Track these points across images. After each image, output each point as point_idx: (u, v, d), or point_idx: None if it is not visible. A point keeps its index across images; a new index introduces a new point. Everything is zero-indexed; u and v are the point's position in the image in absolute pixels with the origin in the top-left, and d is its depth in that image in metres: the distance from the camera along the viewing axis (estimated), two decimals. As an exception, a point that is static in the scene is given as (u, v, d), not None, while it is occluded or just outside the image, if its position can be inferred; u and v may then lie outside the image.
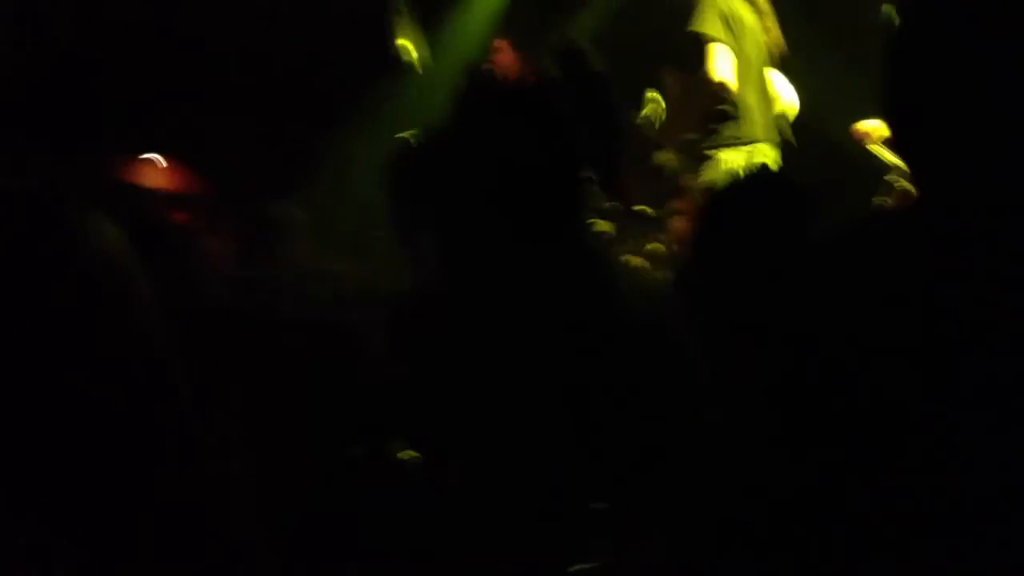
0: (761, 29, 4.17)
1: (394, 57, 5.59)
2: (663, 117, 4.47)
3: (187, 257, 2.49)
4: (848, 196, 4.51)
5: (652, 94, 4.63)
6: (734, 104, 4.06)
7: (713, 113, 4.09)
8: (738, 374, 1.10)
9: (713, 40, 3.97)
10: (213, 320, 2.24)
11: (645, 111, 4.56)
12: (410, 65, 5.62)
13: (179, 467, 1.07)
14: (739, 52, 4.04)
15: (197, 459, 1.10)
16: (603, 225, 4.23)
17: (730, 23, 4.01)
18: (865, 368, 0.92)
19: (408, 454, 1.56)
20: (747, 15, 4.10)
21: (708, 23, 3.98)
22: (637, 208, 4.54)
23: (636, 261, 4.42)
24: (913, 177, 1.04)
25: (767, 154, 4.12)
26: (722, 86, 4.01)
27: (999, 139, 0.91)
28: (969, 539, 0.84)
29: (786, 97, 4.40)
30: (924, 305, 0.90)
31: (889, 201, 4.31)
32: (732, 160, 4.03)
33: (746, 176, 2.84)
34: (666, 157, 4.57)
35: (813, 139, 4.91)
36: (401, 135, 3.44)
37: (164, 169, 5.78)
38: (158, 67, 5.79)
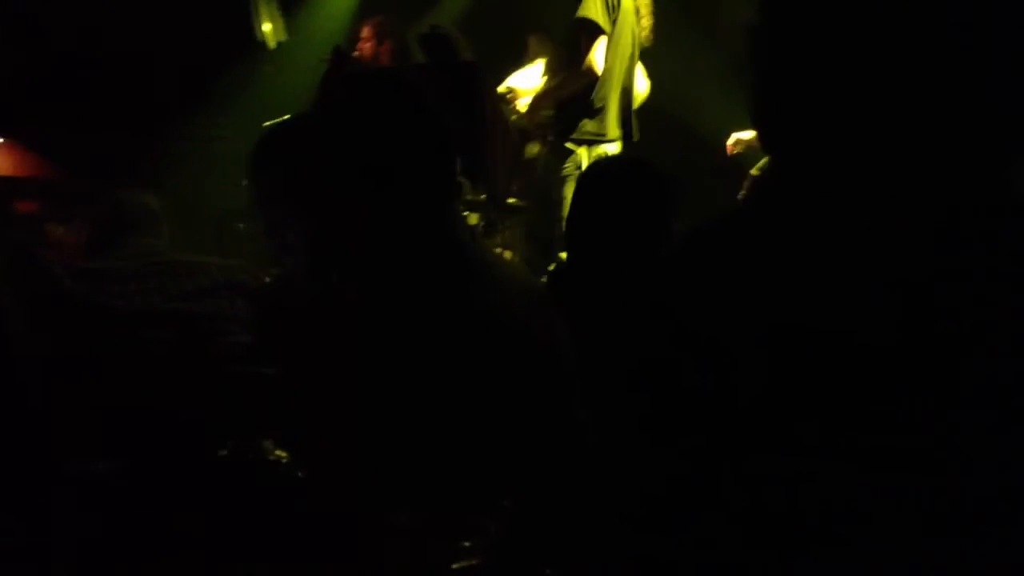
0: (635, 15, 4.22)
1: (255, 41, 5.44)
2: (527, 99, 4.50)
3: (33, 246, 2.37)
4: (708, 185, 4.64)
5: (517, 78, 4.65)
6: (600, 99, 4.11)
7: (579, 102, 4.13)
8: (608, 365, 1.11)
9: (598, 30, 4.00)
10: (62, 311, 2.13)
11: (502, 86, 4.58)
12: (271, 50, 5.49)
13: (29, 461, 1.03)
14: (614, 41, 4.09)
15: (49, 453, 1.05)
16: (473, 217, 4.23)
17: (610, 8, 4.05)
18: (733, 356, 0.93)
19: (277, 453, 1.52)
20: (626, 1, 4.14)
21: (593, 8, 4.00)
22: (507, 201, 4.55)
23: (506, 254, 4.43)
24: (774, 169, 1.06)
25: (618, 151, 4.20)
26: (597, 80, 4.06)
27: (862, 134, 0.94)
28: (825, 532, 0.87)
29: (640, 87, 4.48)
30: (791, 294, 0.92)
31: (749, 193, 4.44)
32: (588, 157, 4.09)
33: (607, 166, 2.88)
34: (536, 149, 4.60)
35: (672, 128, 5.02)
36: (267, 123, 3.35)
37: (8, 155, 5.47)
38: (3, 49, 5.49)
